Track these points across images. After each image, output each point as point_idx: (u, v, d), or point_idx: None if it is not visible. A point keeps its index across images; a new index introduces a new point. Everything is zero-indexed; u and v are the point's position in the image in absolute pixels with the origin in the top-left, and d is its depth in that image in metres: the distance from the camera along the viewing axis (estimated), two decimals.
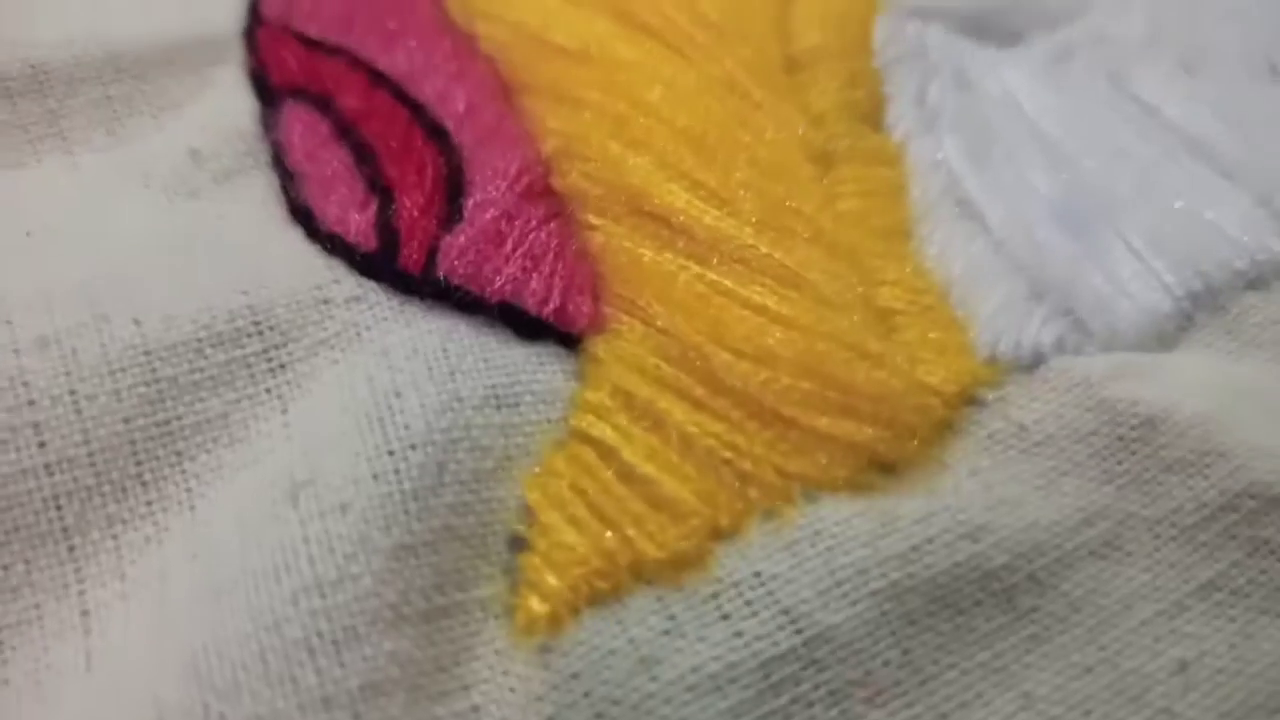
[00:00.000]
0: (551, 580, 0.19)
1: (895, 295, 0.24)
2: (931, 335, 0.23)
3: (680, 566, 0.20)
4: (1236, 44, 0.31)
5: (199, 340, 0.21)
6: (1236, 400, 0.23)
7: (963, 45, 0.30)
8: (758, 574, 0.20)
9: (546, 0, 0.28)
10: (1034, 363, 0.23)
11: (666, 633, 0.19)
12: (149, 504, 0.20)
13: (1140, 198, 0.26)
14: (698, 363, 0.21)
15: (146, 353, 0.21)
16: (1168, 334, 0.24)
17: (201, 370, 0.21)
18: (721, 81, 0.27)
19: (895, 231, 0.26)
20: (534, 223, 0.23)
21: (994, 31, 0.31)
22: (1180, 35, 0.32)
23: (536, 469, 0.21)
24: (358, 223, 0.23)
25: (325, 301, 0.22)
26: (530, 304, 0.22)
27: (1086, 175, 0.27)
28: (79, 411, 0.20)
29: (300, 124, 0.25)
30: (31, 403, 0.20)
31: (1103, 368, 0.23)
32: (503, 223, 0.23)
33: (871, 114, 0.28)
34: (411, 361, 0.21)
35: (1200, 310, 0.25)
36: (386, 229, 0.23)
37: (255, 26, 0.27)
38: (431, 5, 0.28)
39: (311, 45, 0.27)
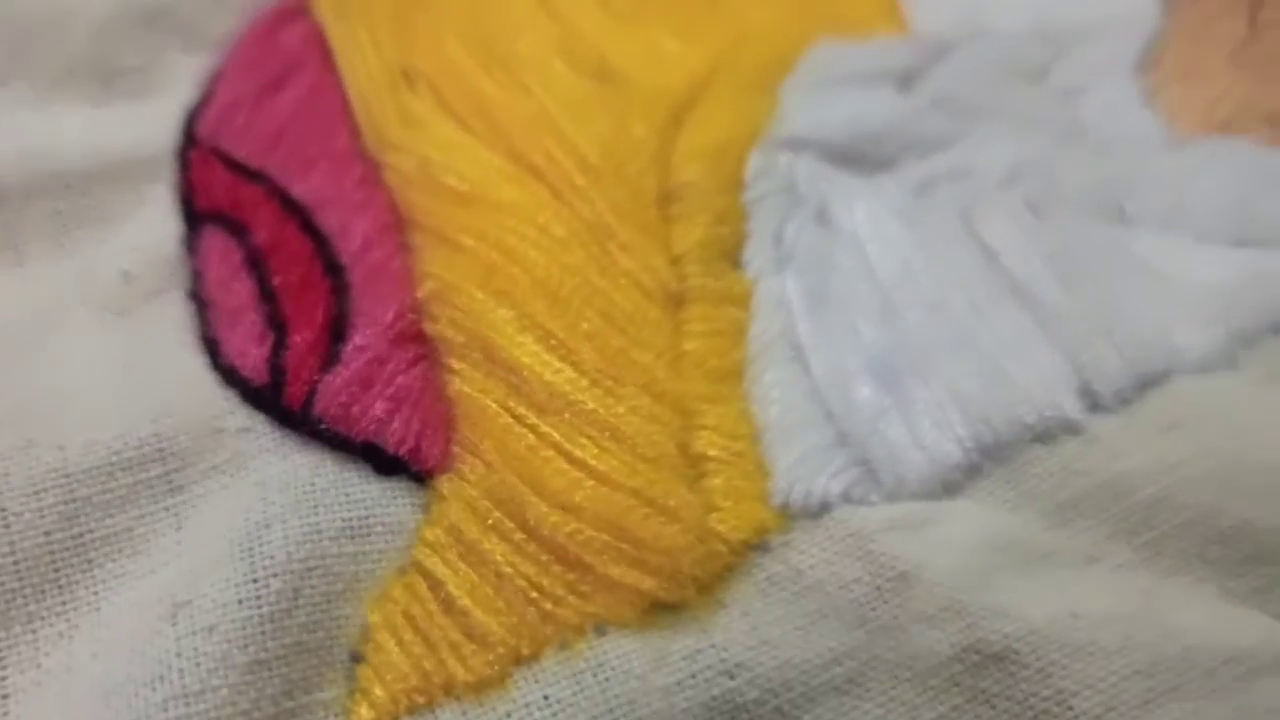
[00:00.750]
0: (379, 691, 0.24)
1: (711, 441, 0.28)
2: (736, 483, 0.27)
3: (483, 687, 0.24)
4: (1093, 184, 0.34)
5: (111, 464, 0.26)
6: (993, 555, 0.27)
7: (831, 177, 0.33)
8: (546, 698, 0.24)
9: (451, 133, 0.31)
10: (821, 511, 0.27)
11: None
12: (63, 604, 0.25)
13: (955, 350, 0.30)
14: (519, 509, 0.25)
15: (66, 475, 0.25)
16: (954, 482, 0.28)
17: (112, 491, 0.26)
18: (592, 224, 0.30)
19: (730, 373, 0.29)
20: (402, 366, 0.27)
21: (866, 161, 0.34)
22: (1040, 172, 0.34)
23: (378, 593, 0.25)
24: (254, 357, 0.27)
25: (219, 431, 0.26)
26: (390, 443, 0.26)
27: (910, 326, 0.30)
28: (7, 526, 0.25)
29: (215, 252, 0.29)
30: None
31: (878, 520, 0.27)
32: (374, 366, 0.27)
33: (733, 251, 0.31)
34: (283, 494, 0.25)
35: (987, 460, 0.28)
36: (276, 366, 0.27)
37: (188, 147, 0.31)
38: (349, 132, 0.32)
39: (235, 169, 0.31)
